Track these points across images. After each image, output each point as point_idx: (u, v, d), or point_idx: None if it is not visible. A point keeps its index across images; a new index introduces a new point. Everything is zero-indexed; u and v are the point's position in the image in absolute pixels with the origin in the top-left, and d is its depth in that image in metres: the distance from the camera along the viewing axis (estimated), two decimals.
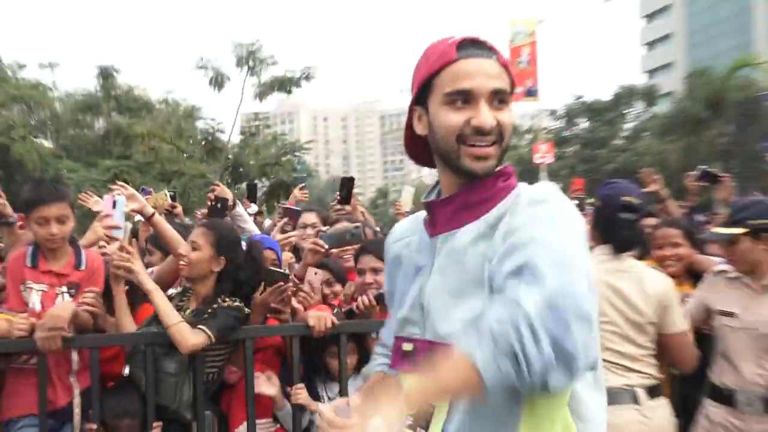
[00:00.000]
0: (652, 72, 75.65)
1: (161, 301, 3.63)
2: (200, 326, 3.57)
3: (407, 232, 2.09)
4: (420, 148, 2.03)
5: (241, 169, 21.00)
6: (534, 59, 27.04)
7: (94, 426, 3.65)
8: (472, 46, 1.82)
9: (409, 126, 1.98)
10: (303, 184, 7.74)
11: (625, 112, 38.21)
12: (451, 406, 1.81)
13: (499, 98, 1.81)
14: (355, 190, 6.65)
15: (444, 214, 1.92)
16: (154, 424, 3.65)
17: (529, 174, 24.66)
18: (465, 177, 1.87)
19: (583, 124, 38.88)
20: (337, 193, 6.49)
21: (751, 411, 3.67)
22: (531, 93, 26.96)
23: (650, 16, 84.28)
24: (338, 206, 6.15)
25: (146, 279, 3.68)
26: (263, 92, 21.80)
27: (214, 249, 3.74)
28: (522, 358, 1.44)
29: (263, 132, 23.46)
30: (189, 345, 3.55)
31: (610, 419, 1.93)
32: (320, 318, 3.68)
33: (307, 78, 21.88)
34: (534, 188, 1.84)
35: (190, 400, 3.73)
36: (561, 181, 28.47)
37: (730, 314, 3.77)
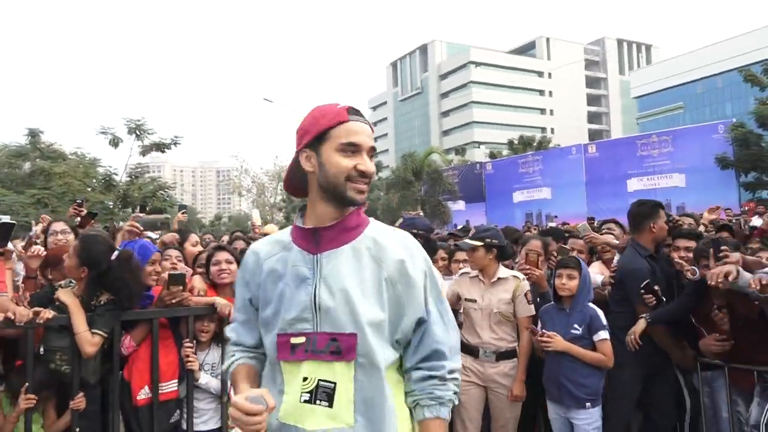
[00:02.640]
0: (376, 154, 79.95)
1: (75, 317, 2.77)
2: (95, 330, 2.75)
3: (273, 250, 1.57)
4: (297, 183, 1.60)
5: (128, 199, 18.98)
6: None
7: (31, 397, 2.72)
8: (355, 113, 1.51)
9: (294, 165, 1.57)
10: (184, 210, 6.63)
11: None
12: (355, 381, 1.45)
13: (371, 154, 1.54)
14: (198, 216, 5.72)
15: (328, 236, 1.50)
16: (77, 398, 2.80)
17: None
18: (347, 205, 1.51)
19: None
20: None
21: (487, 359, 3.54)
22: None
23: (376, 123, 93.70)
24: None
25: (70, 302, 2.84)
26: (145, 151, 19.75)
27: (77, 259, 2.87)
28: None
29: (143, 176, 21.46)
30: (87, 352, 2.73)
31: None
32: (225, 305, 3.07)
33: (175, 144, 20.18)
34: (396, 234, 1.58)
35: (95, 367, 2.85)
36: None
37: (473, 300, 3.64)
